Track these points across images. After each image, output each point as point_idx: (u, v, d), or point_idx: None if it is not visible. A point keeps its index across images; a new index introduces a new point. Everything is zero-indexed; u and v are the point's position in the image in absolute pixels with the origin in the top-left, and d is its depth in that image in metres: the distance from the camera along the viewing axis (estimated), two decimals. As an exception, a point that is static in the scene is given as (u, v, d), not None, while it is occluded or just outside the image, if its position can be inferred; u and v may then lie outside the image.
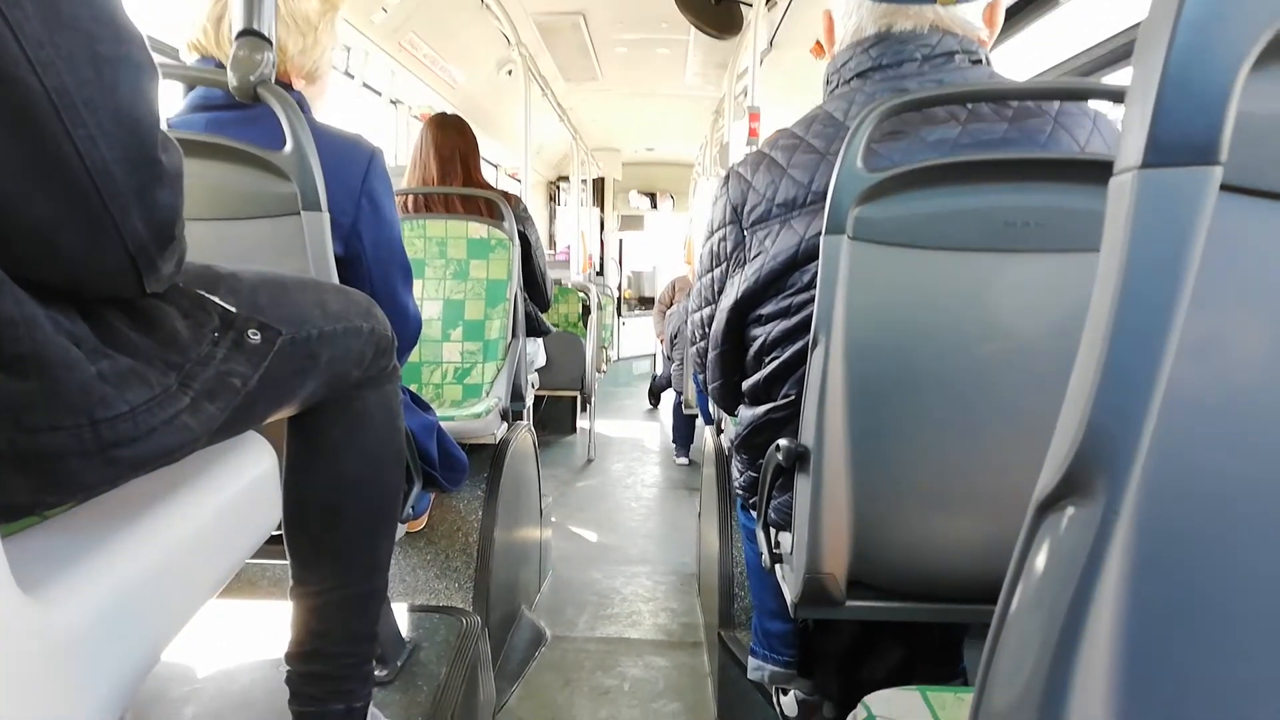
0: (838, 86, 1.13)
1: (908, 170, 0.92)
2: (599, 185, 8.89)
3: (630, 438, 5.52)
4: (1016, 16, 2.20)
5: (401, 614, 1.48)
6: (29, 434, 0.49)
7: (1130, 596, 0.36)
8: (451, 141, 2.37)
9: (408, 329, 1.31)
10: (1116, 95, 0.94)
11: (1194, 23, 0.32)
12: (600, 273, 8.68)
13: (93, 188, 0.50)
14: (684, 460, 4.72)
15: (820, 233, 1.00)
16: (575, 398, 4.95)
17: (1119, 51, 1.78)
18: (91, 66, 0.48)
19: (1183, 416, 0.35)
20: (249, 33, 0.96)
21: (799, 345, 1.06)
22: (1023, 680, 0.40)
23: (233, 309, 0.69)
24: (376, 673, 1.22)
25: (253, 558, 0.80)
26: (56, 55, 0.46)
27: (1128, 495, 0.36)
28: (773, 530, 1.19)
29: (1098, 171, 0.92)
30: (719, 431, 2.42)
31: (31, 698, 0.44)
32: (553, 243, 8.68)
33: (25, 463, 0.50)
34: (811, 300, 1.01)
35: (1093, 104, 1.05)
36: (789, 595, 1.12)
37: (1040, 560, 0.40)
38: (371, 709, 1.00)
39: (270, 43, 0.97)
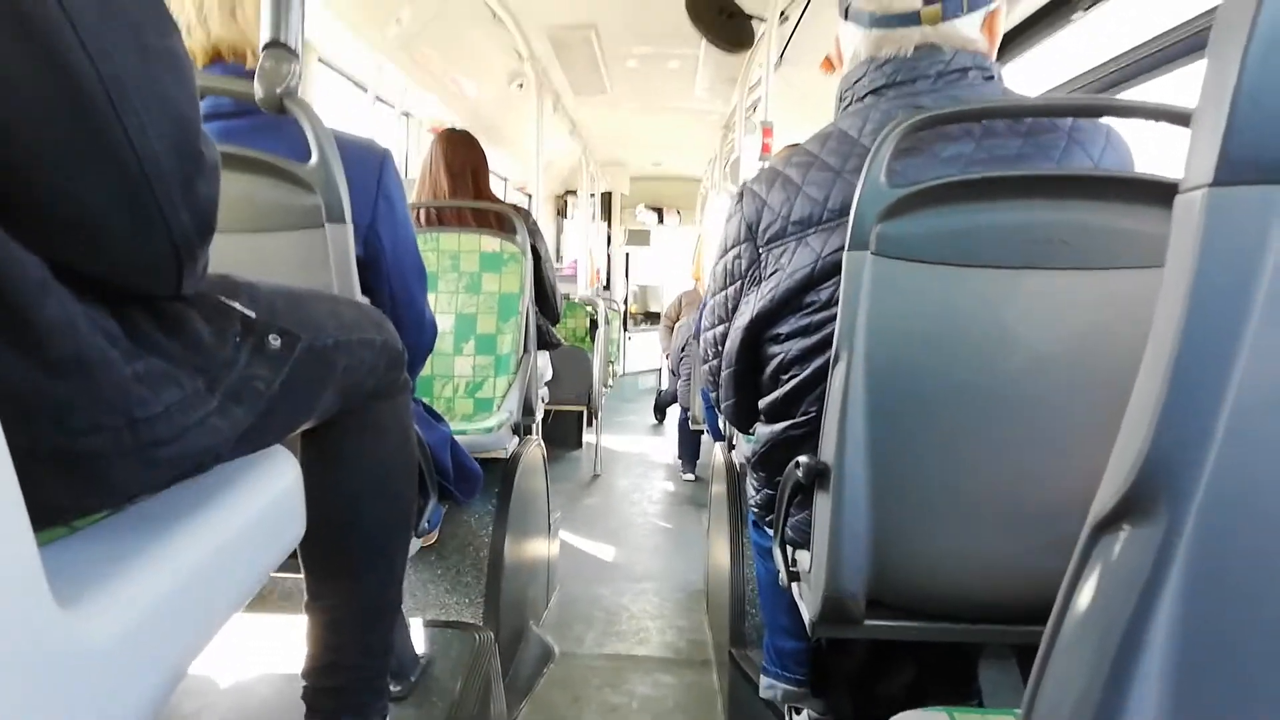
0: (851, 103, 1.14)
1: (930, 186, 0.92)
2: (606, 200, 8.92)
3: (636, 453, 5.51)
4: (1028, 32, 2.21)
5: (415, 629, 1.47)
6: (70, 435, 0.49)
7: (1189, 621, 0.36)
8: (462, 156, 2.38)
9: (424, 335, 1.32)
10: (1151, 113, 0.93)
11: (1268, 38, 0.32)
12: (607, 287, 8.70)
13: (142, 176, 0.51)
14: (690, 476, 4.71)
15: (837, 250, 1.00)
16: (581, 412, 4.94)
17: (1134, 67, 1.78)
18: (139, 56, 0.49)
19: (1249, 437, 0.34)
20: (275, 44, 0.97)
21: (818, 363, 1.06)
22: (1071, 706, 0.39)
23: (253, 314, 0.69)
24: (391, 687, 1.21)
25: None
26: (109, 43, 0.46)
27: (1189, 517, 0.35)
28: (789, 548, 1.19)
29: (1119, 188, 0.92)
30: (730, 448, 2.41)
31: (64, 711, 0.43)
32: (560, 256, 8.70)
33: (66, 464, 0.50)
34: (830, 319, 1.01)
35: (1105, 119, 1.05)
36: (806, 614, 1.11)
37: (1093, 583, 0.39)
38: (387, 724, 0.99)
39: (296, 55, 0.98)
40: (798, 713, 1.44)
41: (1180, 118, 0.90)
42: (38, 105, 0.45)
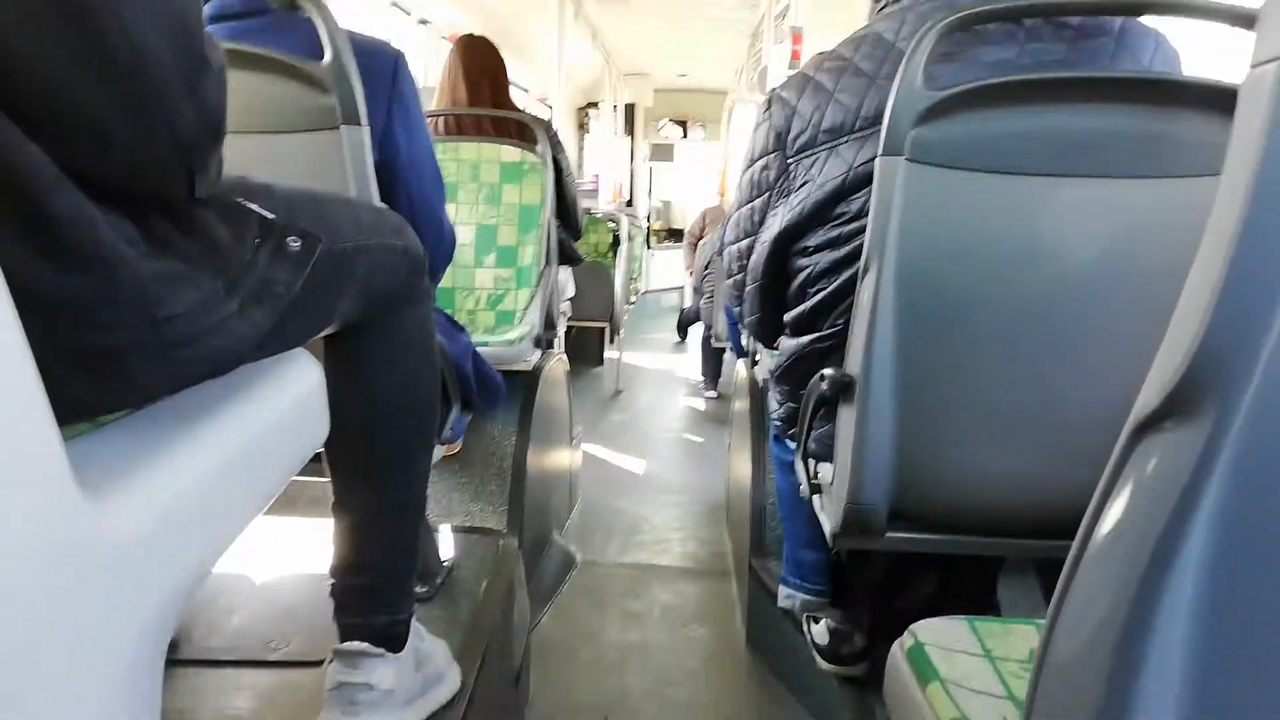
0: (887, 5, 1.08)
1: (970, 88, 0.88)
2: (629, 112, 8.71)
3: (658, 370, 5.54)
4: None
5: (440, 535, 1.51)
6: (90, 332, 0.49)
7: (1227, 526, 0.34)
8: (480, 64, 2.32)
9: (443, 243, 1.30)
10: (1182, 8, 0.88)
11: None
12: (630, 203, 8.58)
13: (144, 77, 0.49)
14: (712, 394, 4.73)
15: (869, 160, 0.96)
16: (603, 329, 4.94)
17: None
18: None
19: None
20: None
21: (847, 275, 1.04)
22: (1101, 613, 0.38)
23: (271, 216, 0.68)
24: (417, 589, 1.25)
25: (294, 475, 0.81)
26: None
27: (1236, 418, 0.33)
28: (812, 461, 1.19)
29: (1167, 92, 0.88)
30: (753, 364, 2.41)
31: (92, 601, 0.44)
32: (582, 171, 8.57)
33: (88, 361, 0.50)
34: (860, 230, 0.98)
35: (1155, 24, 1.00)
36: (827, 526, 1.11)
37: (1130, 486, 0.38)
38: (414, 622, 1.02)
39: None
40: (816, 622, 1.47)
41: (1243, 19, 0.84)
42: (35, 8, 0.44)
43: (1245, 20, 0.84)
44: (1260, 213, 0.32)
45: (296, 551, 1.36)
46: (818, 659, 1.35)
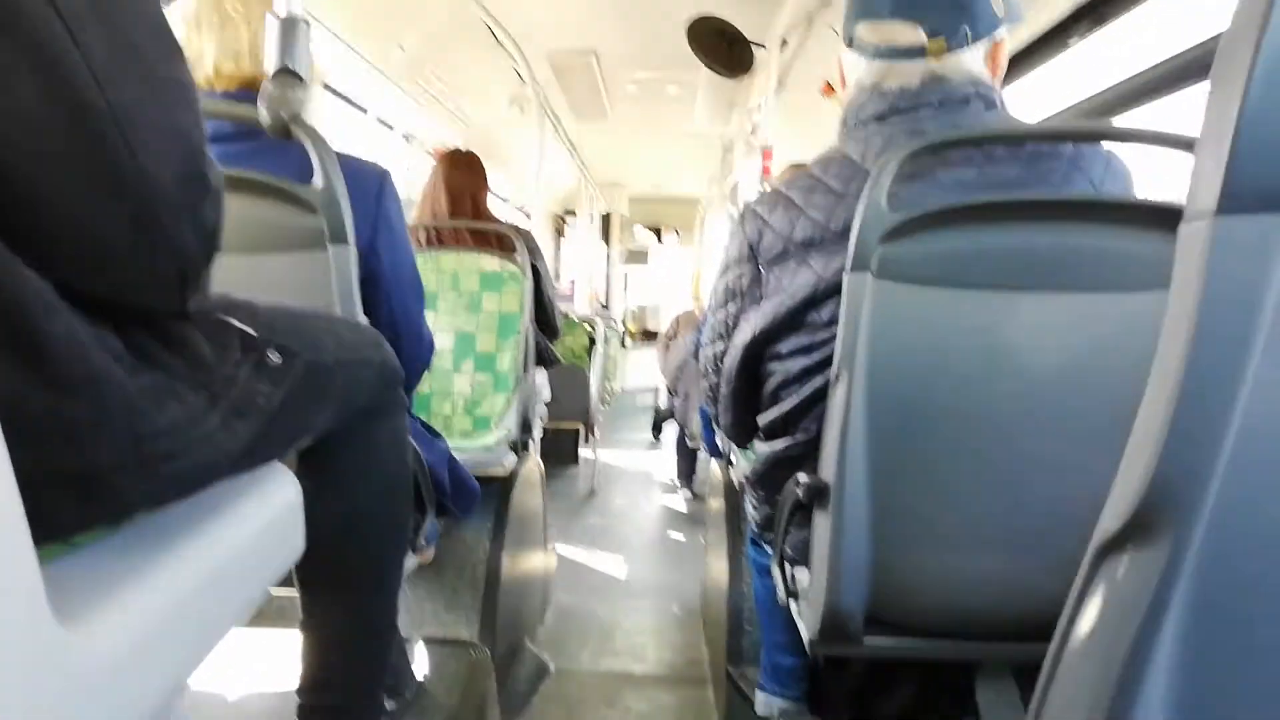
0: (854, 128, 1.15)
1: (932, 211, 0.93)
2: (605, 219, 8.95)
3: (633, 469, 5.50)
4: (1026, 59, 2.23)
5: (411, 646, 1.47)
6: (77, 452, 0.50)
7: (1193, 643, 0.36)
8: (462, 177, 2.40)
9: (422, 352, 1.32)
10: (1154, 139, 0.95)
11: (1272, 67, 0.32)
12: (606, 306, 8.71)
13: (149, 202, 0.51)
14: (687, 494, 4.69)
15: (838, 271, 1.01)
16: (578, 429, 4.93)
17: (1130, 93, 1.80)
18: (147, 85, 0.49)
19: (1254, 463, 0.34)
20: (284, 71, 0.98)
21: (819, 381, 1.07)
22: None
23: (253, 331, 0.70)
24: (387, 704, 1.21)
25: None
26: (119, 74, 0.47)
27: (1194, 541, 0.35)
28: (788, 565, 1.19)
29: (1119, 213, 0.93)
30: (729, 465, 2.41)
31: (65, 726, 0.43)
32: (559, 276, 8.71)
33: (72, 480, 0.50)
34: (831, 338, 1.02)
35: (1105, 144, 1.06)
36: (805, 632, 1.10)
37: (1097, 604, 0.39)
38: (383, 742, 0.99)
39: (304, 81, 0.99)
40: (795, 732, 1.43)
41: (1181, 143, 0.91)
42: (47, 133, 0.46)
43: (1186, 145, 0.91)
44: (1201, 354, 0.35)
45: (266, 666, 1.32)
46: (799, 772, 1.31)
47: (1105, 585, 0.40)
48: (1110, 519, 0.39)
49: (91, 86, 0.45)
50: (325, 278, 1.03)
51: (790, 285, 1.09)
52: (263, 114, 0.97)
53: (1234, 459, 0.34)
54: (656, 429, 6.51)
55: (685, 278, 6.07)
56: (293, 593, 0.95)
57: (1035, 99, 2.29)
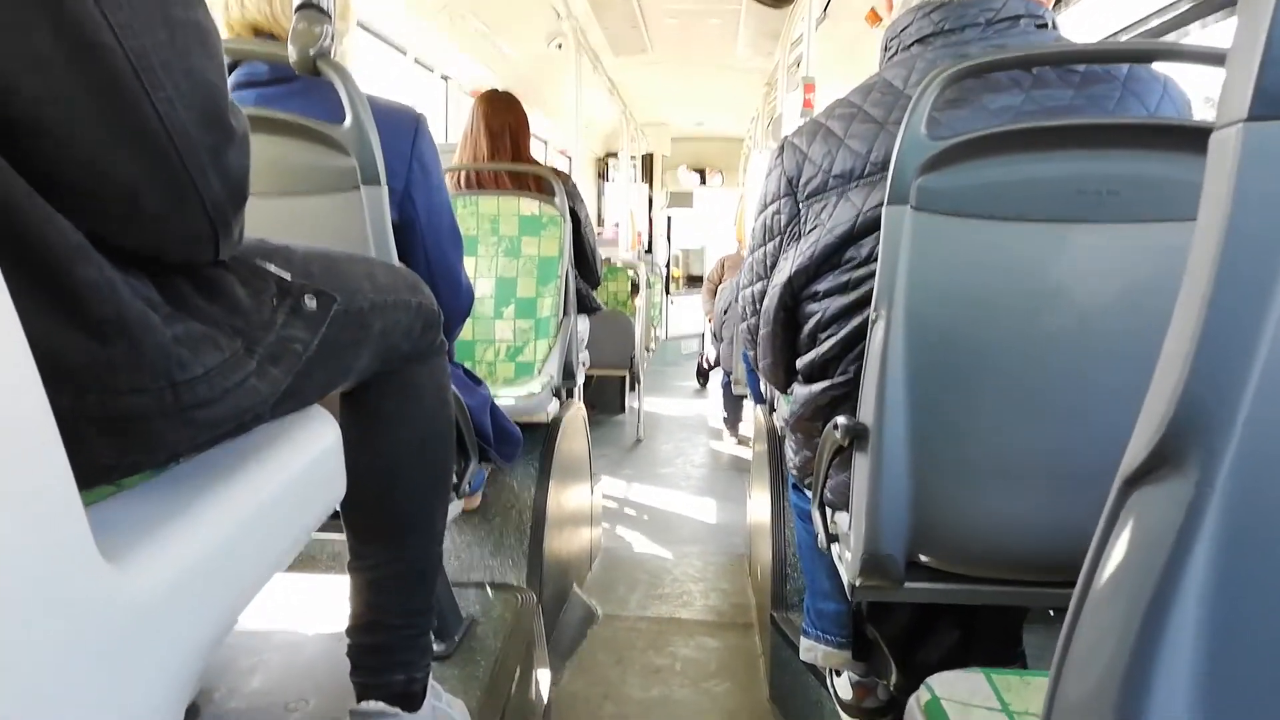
0: (896, 53, 1.10)
1: (973, 137, 0.89)
2: (648, 161, 8.84)
3: (679, 417, 5.53)
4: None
5: (458, 590, 1.51)
6: (114, 396, 0.51)
7: (1220, 575, 0.34)
8: (501, 118, 2.37)
9: (460, 299, 1.32)
10: (1189, 55, 0.89)
11: None
12: (649, 250, 8.66)
13: (173, 149, 0.51)
14: (733, 439, 4.70)
15: (879, 205, 0.97)
16: (624, 377, 4.96)
17: (1190, 14, 1.69)
18: (165, 29, 0.49)
19: None
20: (308, 5, 0.96)
21: (857, 321, 1.04)
22: (1102, 664, 0.38)
23: (288, 276, 0.70)
24: (435, 646, 1.24)
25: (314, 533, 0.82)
26: (133, 18, 0.46)
27: (1222, 469, 0.34)
28: (829, 510, 1.18)
29: (1174, 137, 0.88)
30: (771, 411, 2.40)
31: (114, 664, 0.45)
32: (601, 220, 8.67)
33: (111, 425, 0.51)
34: (870, 275, 0.99)
35: (1162, 69, 1.00)
36: (845, 576, 1.10)
37: (1125, 538, 0.38)
38: (431, 681, 1.01)
39: (329, 16, 0.98)
40: (839, 675, 1.44)
41: (1218, 59, 0.85)
42: (68, 84, 0.45)
43: (1223, 61, 0.85)
44: (1230, 270, 0.33)
45: (314, 609, 1.37)
46: (841, 713, 1.32)
47: (1131, 520, 0.38)
48: (1136, 449, 0.37)
49: (105, 29, 0.45)
50: (360, 219, 1.03)
51: (829, 221, 1.06)
52: (290, 51, 0.96)
53: (1263, 383, 0.33)
54: (702, 376, 6.52)
55: (730, 220, 5.99)
56: (342, 536, 0.98)
57: (1099, 21, 2.17)
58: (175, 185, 0.53)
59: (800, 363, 1.17)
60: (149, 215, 0.53)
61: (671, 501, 3.59)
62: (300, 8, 0.96)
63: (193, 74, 0.51)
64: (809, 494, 1.24)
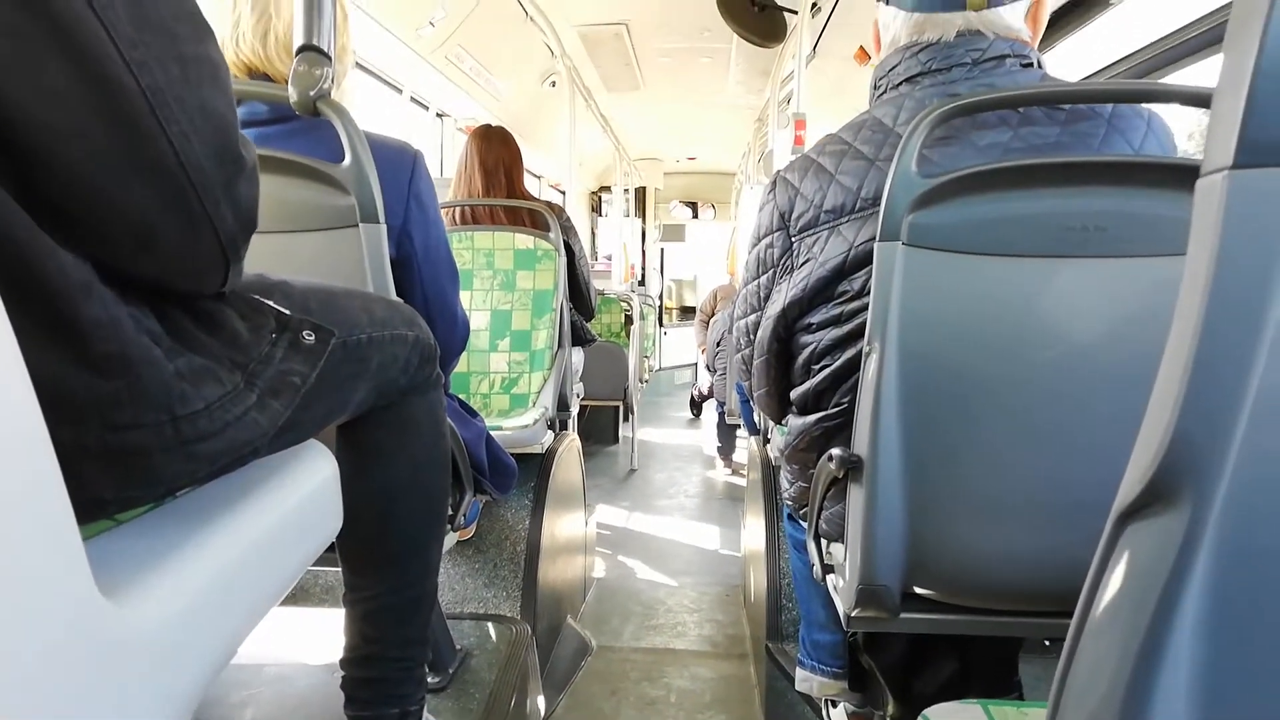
0: (885, 91, 1.12)
1: (963, 175, 0.91)
2: (640, 195, 8.92)
3: (673, 446, 5.52)
4: (1068, 18, 2.16)
5: (453, 622, 1.50)
6: (116, 431, 0.51)
7: (1215, 608, 0.35)
8: (496, 153, 2.40)
9: (456, 333, 1.33)
10: (1174, 96, 0.91)
11: None
12: (642, 282, 8.70)
13: (187, 182, 0.52)
14: (727, 470, 4.70)
15: (870, 239, 0.99)
16: (618, 407, 4.96)
17: (1174, 52, 1.73)
18: (178, 65, 0.50)
19: (1274, 422, 0.33)
20: (308, 48, 0.98)
21: (850, 353, 1.05)
22: (1100, 695, 0.39)
23: (287, 311, 0.71)
24: (429, 678, 1.23)
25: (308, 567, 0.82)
26: (148, 55, 0.47)
27: (1215, 504, 0.34)
28: (824, 541, 1.18)
29: (1158, 173, 0.89)
30: (765, 441, 2.41)
31: (111, 699, 0.45)
32: (595, 253, 8.73)
33: (111, 459, 0.52)
34: (863, 308, 1.00)
35: (1146, 106, 1.02)
36: (841, 607, 1.10)
37: (1120, 571, 0.39)
38: (425, 714, 1.01)
39: (329, 58, 1.00)
40: (835, 705, 1.43)
41: (1203, 100, 0.88)
42: (83, 119, 0.46)
43: (1207, 103, 0.87)
44: (1216, 315, 0.34)
45: (307, 642, 1.35)
46: (838, 746, 1.31)
47: (1126, 553, 0.39)
48: (1130, 484, 0.38)
49: (120, 66, 0.46)
50: (358, 256, 1.04)
51: (821, 254, 1.08)
52: (290, 93, 0.98)
53: (1254, 420, 0.34)
54: (695, 406, 6.53)
55: (722, 253, 6.04)
56: (336, 569, 0.97)
57: (1075, 64, 2.22)
58: (190, 217, 0.54)
59: (795, 394, 1.17)
60: (165, 246, 0.54)
61: (665, 531, 3.57)
62: (300, 50, 0.98)
63: (206, 108, 0.52)
64: (804, 524, 1.24)
